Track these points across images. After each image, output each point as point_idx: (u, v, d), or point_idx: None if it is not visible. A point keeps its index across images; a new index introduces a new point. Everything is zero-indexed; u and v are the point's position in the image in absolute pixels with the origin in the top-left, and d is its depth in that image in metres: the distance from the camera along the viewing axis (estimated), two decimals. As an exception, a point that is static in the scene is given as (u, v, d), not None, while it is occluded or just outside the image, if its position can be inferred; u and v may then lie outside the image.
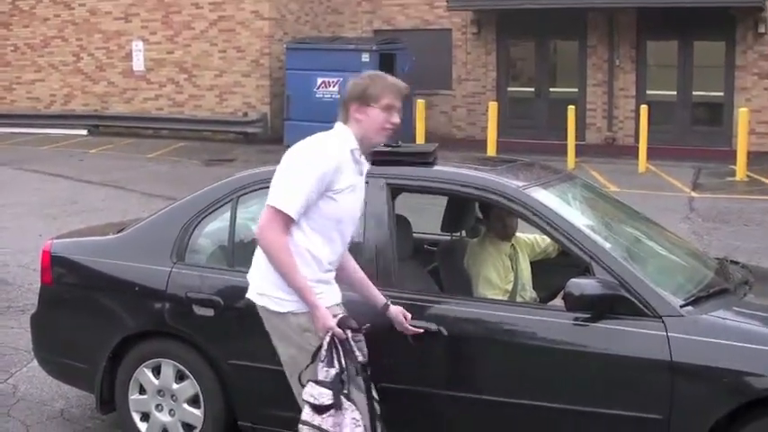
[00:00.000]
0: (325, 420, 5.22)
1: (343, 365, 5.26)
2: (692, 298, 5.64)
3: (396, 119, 5.45)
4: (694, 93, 27.48)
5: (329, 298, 5.42)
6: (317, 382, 5.25)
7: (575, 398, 5.55)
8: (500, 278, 6.90)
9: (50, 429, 7.37)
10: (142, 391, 6.74)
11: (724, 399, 5.23)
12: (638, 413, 5.38)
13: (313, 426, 5.24)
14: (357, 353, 5.33)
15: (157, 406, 6.70)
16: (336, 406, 5.23)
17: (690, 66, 27.44)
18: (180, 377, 6.59)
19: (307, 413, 5.28)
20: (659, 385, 5.32)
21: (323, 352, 5.27)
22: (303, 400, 5.30)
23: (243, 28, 29.03)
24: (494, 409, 5.75)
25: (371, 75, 5.54)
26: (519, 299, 6.96)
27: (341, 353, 5.27)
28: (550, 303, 6.54)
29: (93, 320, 6.94)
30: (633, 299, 5.46)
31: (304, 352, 5.36)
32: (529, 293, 7.09)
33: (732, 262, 7.03)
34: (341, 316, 5.34)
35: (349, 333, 5.30)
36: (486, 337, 5.83)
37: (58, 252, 7.19)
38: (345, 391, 5.24)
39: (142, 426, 6.77)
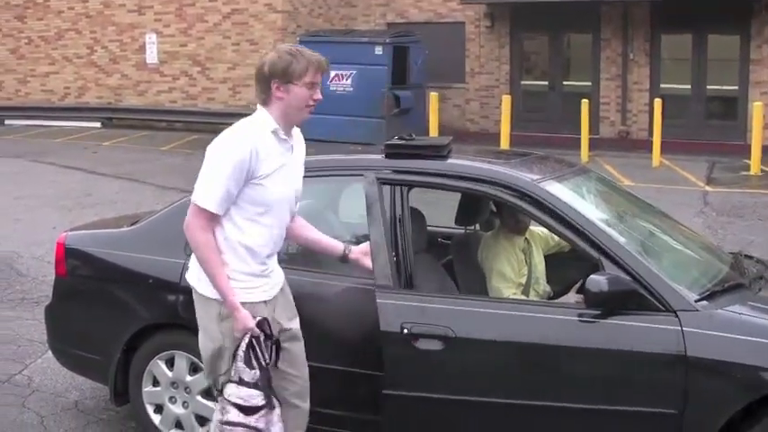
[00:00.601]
0: (258, 420, 5.24)
1: (263, 365, 5.25)
2: (707, 293, 5.62)
3: (318, 95, 5.32)
4: (708, 87, 27.39)
5: (262, 293, 5.38)
6: (244, 384, 5.23)
7: (588, 393, 5.53)
8: (514, 272, 6.90)
9: (65, 421, 7.39)
10: (156, 383, 6.75)
11: (739, 394, 5.22)
12: (653, 408, 5.37)
13: (248, 427, 5.23)
14: (266, 354, 5.30)
15: (171, 398, 6.71)
16: (269, 405, 5.26)
17: (704, 59, 27.35)
18: (193, 369, 6.59)
19: (235, 415, 5.24)
20: (674, 380, 5.31)
21: (241, 353, 5.24)
22: (228, 401, 5.26)
23: (256, 21, 29.03)
24: (505, 410, 5.71)
25: (291, 50, 5.32)
26: (533, 292, 6.96)
27: (258, 353, 5.24)
28: (562, 300, 6.53)
29: (107, 312, 6.95)
30: (647, 293, 5.44)
31: (215, 341, 5.35)
32: (543, 287, 7.08)
33: (746, 256, 7.01)
34: (259, 319, 5.26)
35: (262, 336, 5.27)
36: (496, 337, 5.76)
37: (73, 244, 7.20)
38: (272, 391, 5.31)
39: (156, 417, 6.78)
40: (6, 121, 31.27)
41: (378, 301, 5.74)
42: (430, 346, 5.68)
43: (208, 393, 6.55)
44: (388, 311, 5.73)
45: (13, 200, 17.09)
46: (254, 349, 5.24)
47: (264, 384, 5.26)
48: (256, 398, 5.23)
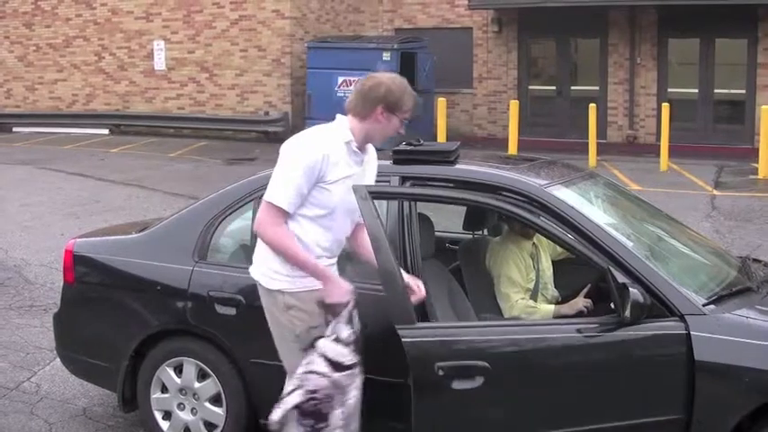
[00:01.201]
0: (342, 378, 5.34)
1: (358, 329, 5.44)
2: (715, 297, 5.61)
3: (402, 129, 5.73)
4: (716, 91, 27.38)
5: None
6: (340, 342, 5.35)
7: (599, 401, 5.49)
8: (522, 277, 6.89)
9: (73, 427, 7.39)
10: (164, 389, 6.76)
11: (747, 398, 5.19)
12: (661, 413, 5.35)
13: (332, 380, 5.31)
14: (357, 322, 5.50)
15: (179, 405, 6.72)
16: (356, 368, 5.36)
17: (711, 63, 27.34)
18: (202, 376, 6.61)
19: (323, 366, 5.35)
20: (681, 384, 5.28)
21: (346, 312, 5.43)
22: (318, 353, 5.39)
23: (264, 27, 29.06)
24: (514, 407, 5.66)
25: (403, 85, 5.67)
26: (541, 298, 6.95)
27: (355, 316, 5.45)
28: (571, 304, 6.52)
29: (116, 319, 6.96)
30: (655, 298, 5.42)
31: (286, 330, 5.56)
32: (551, 292, 7.08)
33: (755, 260, 7.00)
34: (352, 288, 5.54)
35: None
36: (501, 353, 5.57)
37: (81, 251, 7.21)
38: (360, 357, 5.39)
39: (164, 424, 6.79)
40: (14, 129, 31.37)
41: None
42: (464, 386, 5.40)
43: (216, 400, 6.57)
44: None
45: (21, 207, 17.11)
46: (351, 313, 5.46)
47: (358, 347, 5.39)
48: (347, 357, 5.33)
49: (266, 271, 5.64)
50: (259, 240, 5.71)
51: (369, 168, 5.82)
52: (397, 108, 5.60)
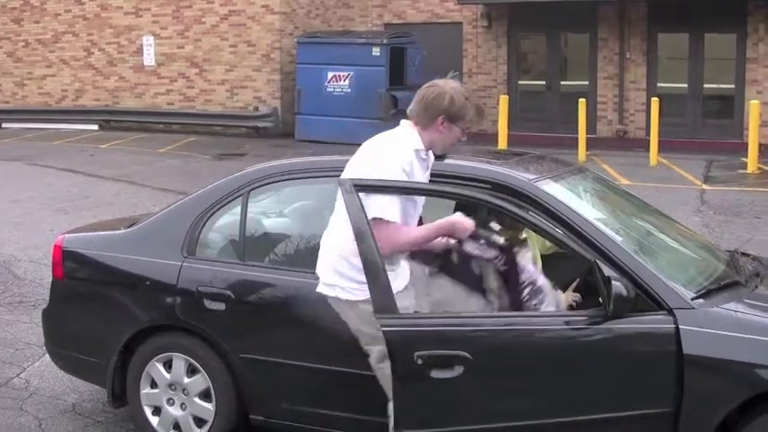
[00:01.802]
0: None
1: None
2: (704, 291, 5.63)
3: (464, 137, 5.83)
4: (705, 85, 27.43)
5: (397, 282, 5.56)
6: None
7: (584, 393, 5.50)
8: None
9: (63, 423, 7.39)
10: (154, 385, 6.76)
11: (735, 391, 5.22)
12: (649, 406, 5.37)
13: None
14: None
15: (169, 400, 6.72)
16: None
17: (701, 58, 27.38)
18: (191, 371, 6.61)
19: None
20: (670, 378, 5.30)
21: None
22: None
23: (253, 22, 29.02)
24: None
25: (466, 94, 5.74)
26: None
27: None
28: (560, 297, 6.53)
29: (105, 315, 6.96)
30: (644, 292, 5.43)
31: (378, 337, 5.40)
32: (540, 286, 7.07)
33: (743, 254, 7.02)
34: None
35: None
36: (488, 349, 5.55)
37: (70, 247, 7.20)
38: None
39: (154, 419, 6.79)
40: (4, 125, 31.30)
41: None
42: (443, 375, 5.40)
43: (205, 395, 6.58)
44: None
45: (11, 203, 17.08)
46: None
47: None
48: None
49: (336, 281, 5.61)
50: (324, 249, 5.73)
51: (428, 171, 5.92)
52: (459, 118, 5.67)
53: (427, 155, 5.82)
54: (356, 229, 5.38)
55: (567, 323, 5.61)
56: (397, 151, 5.61)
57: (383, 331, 5.30)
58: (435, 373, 5.33)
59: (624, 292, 5.27)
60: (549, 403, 5.50)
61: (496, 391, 5.48)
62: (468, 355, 5.31)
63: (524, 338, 5.59)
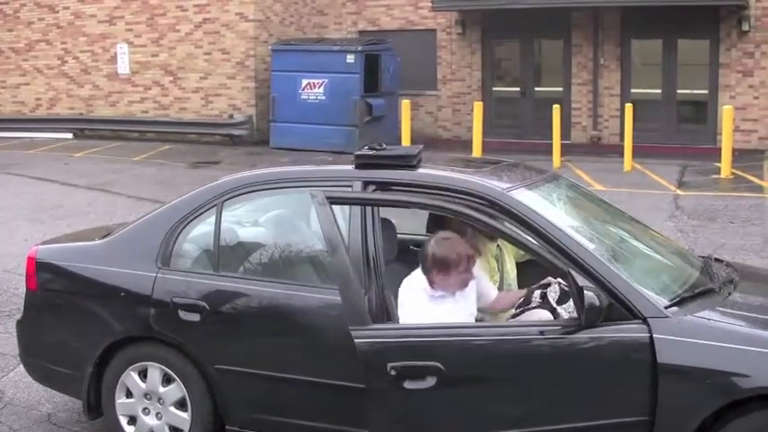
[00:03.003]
0: None
1: None
2: (677, 299, 5.65)
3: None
4: (679, 91, 27.51)
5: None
6: None
7: (559, 402, 5.53)
8: (489, 278, 6.91)
9: (38, 434, 7.37)
10: (129, 394, 6.76)
11: (709, 399, 5.25)
12: (624, 415, 5.39)
13: None
14: None
15: (144, 409, 6.71)
16: None
17: (674, 64, 27.48)
18: (167, 380, 6.61)
19: None
20: (644, 387, 5.33)
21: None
22: None
23: (227, 30, 28.97)
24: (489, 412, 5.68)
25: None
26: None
27: None
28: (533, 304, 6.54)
29: (80, 326, 6.94)
30: (617, 301, 5.46)
31: None
32: (515, 294, 7.09)
33: (717, 260, 7.04)
34: None
35: None
36: (480, 356, 5.66)
37: (44, 258, 7.18)
38: None
39: (129, 429, 6.79)
40: (-23, 134, 31.16)
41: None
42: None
43: (181, 404, 6.58)
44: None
45: (-15, 212, 17.00)
46: None
47: None
48: None
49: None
50: None
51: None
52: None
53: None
54: (328, 240, 5.45)
55: (540, 333, 5.62)
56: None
57: (356, 343, 5.34)
58: (409, 384, 5.38)
59: (596, 303, 5.32)
60: (524, 412, 5.54)
61: (470, 401, 5.52)
62: (441, 366, 5.36)
63: (497, 348, 5.62)
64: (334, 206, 5.59)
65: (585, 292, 5.35)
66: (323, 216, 5.49)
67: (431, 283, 6.10)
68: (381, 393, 5.44)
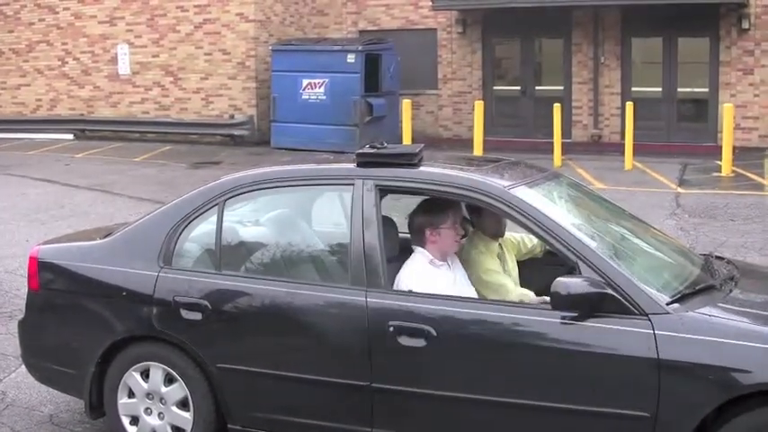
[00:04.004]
0: None
1: None
2: (678, 295, 5.66)
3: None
4: (679, 89, 27.53)
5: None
6: None
7: (562, 396, 5.57)
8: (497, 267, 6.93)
9: (40, 435, 7.38)
10: (131, 394, 6.75)
11: (711, 395, 5.25)
12: (626, 411, 5.41)
13: None
14: None
15: (146, 409, 6.70)
16: None
17: (674, 62, 27.50)
18: (169, 380, 6.60)
19: None
20: (646, 383, 5.35)
21: None
22: None
23: (228, 30, 29.00)
24: (481, 407, 5.78)
25: None
26: (507, 298, 6.98)
27: None
28: (538, 301, 6.56)
29: (81, 326, 6.93)
30: (620, 297, 5.48)
31: None
32: (517, 293, 7.10)
33: (718, 257, 7.05)
34: None
35: None
36: (472, 335, 5.85)
37: (46, 258, 7.18)
38: None
39: (131, 429, 6.77)
40: (-22, 135, 31.18)
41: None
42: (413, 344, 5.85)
43: (183, 404, 6.57)
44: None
45: (-14, 213, 17.02)
46: None
47: None
48: None
49: None
50: None
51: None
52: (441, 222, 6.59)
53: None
54: (366, 218, 6.22)
55: (535, 318, 5.81)
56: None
57: (367, 302, 5.99)
58: (404, 341, 5.85)
59: (562, 291, 5.54)
60: (507, 386, 5.77)
61: (456, 365, 5.88)
62: (433, 331, 5.81)
63: (488, 325, 5.89)
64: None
65: (558, 279, 5.57)
66: (368, 202, 6.20)
67: (428, 251, 6.56)
68: (382, 346, 5.95)
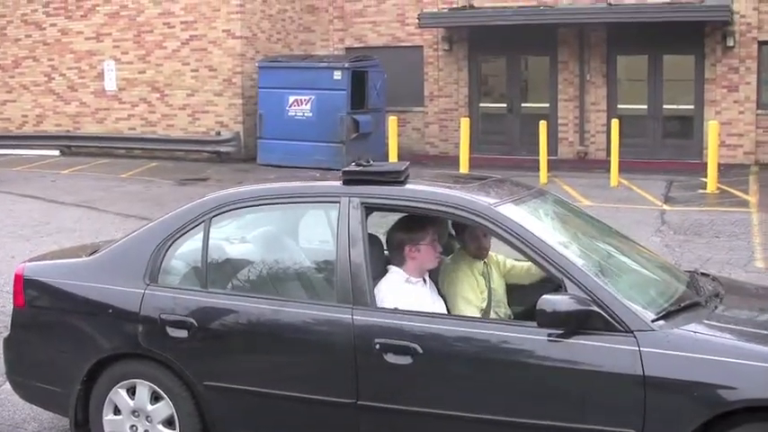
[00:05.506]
0: None
1: None
2: (664, 312, 5.68)
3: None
4: (665, 106, 27.65)
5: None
6: None
7: (548, 413, 5.58)
8: (476, 296, 6.92)
9: (25, 453, 7.35)
10: (117, 411, 6.72)
11: (696, 412, 5.26)
12: (612, 428, 5.41)
13: None
14: None
15: (132, 427, 6.68)
16: None
17: (660, 79, 27.61)
18: (155, 398, 6.58)
19: None
20: (632, 400, 5.36)
21: None
22: None
23: (215, 47, 29.00)
24: (468, 425, 5.78)
25: None
26: (494, 315, 6.98)
27: None
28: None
29: (67, 343, 6.91)
30: (605, 314, 5.50)
31: None
32: (504, 310, 7.10)
33: (703, 274, 7.07)
34: None
35: None
36: (459, 353, 5.86)
37: (31, 275, 7.16)
38: None
39: (117, 447, 6.76)
40: (-36, 151, 31.13)
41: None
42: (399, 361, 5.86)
43: (169, 422, 6.55)
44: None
45: (-29, 230, 16.96)
46: None
47: None
48: None
49: None
50: None
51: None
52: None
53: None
54: (352, 236, 6.23)
55: (522, 335, 5.80)
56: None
57: (353, 320, 5.98)
58: (390, 358, 5.85)
59: (548, 309, 5.54)
60: (498, 406, 5.74)
61: (442, 382, 5.86)
62: (418, 348, 5.81)
63: (473, 344, 5.89)
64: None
65: (544, 296, 5.58)
66: (354, 220, 6.21)
67: (405, 269, 6.59)
68: (369, 363, 5.94)
